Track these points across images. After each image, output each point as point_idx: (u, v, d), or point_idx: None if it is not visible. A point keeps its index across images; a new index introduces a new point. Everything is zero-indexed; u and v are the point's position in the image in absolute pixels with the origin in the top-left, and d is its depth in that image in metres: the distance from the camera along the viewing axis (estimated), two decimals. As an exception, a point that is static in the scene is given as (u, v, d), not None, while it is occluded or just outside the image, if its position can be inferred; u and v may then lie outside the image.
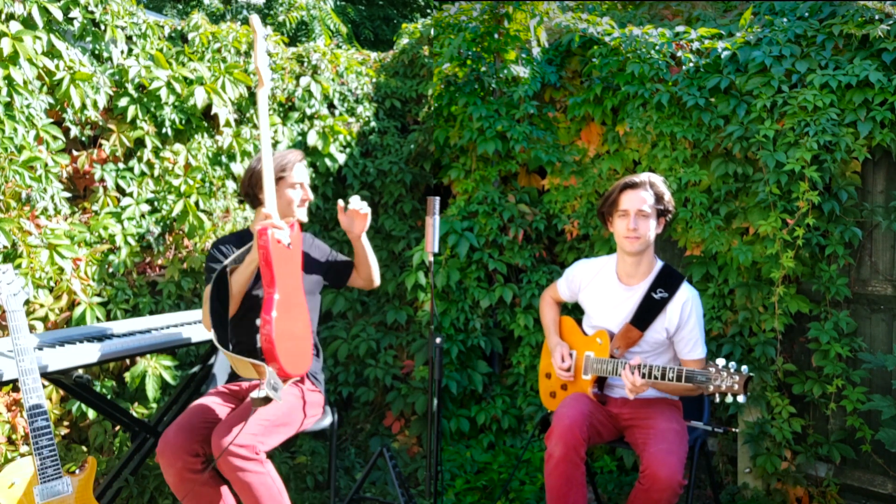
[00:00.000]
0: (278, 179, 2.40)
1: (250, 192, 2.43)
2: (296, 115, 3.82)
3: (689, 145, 3.11)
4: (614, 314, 2.38)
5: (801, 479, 2.83)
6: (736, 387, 1.98)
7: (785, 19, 3.05)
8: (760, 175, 2.89)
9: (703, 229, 2.99)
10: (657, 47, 3.20)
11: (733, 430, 2.48)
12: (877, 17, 2.73)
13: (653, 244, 2.36)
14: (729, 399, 2.01)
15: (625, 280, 2.39)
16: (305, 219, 2.48)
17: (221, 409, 2.34)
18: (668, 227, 2.35)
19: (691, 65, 3.09)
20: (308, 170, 2.64)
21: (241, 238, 2.49)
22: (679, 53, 3.17)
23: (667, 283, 2.32)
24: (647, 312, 2.31)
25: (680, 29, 3.33)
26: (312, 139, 3.73)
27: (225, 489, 2.24)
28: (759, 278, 2.92)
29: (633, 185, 2.30)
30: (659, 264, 2.39)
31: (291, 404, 2.35)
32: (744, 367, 2.01)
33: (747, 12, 3.29)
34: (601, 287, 2.44)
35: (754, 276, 2.94)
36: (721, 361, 2.04)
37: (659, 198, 2.30)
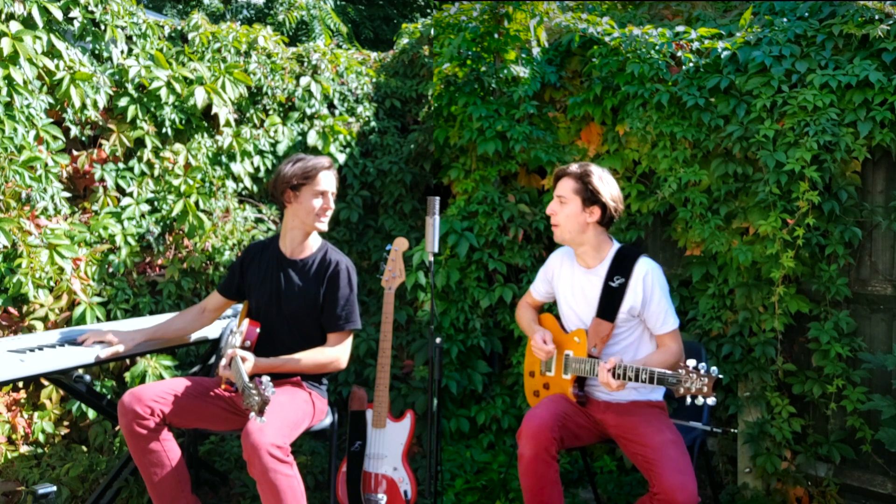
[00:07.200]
0: (300, 185, 2.34)
1: (275, 192, 2.41)
2: (296, 114, 3.82)
3: (689, 145, 3.11)
4: (582, 299, 2.37)
5: (801, 479, 2.82)
6: (705, 389, 1.95)
7: (785, 19, 3.05)
8: (760, 175, 2.89)
9: (703, 229, 2.99)
10: (657, 47, 3.20)
11: (732, 430, 2.46)
12: (877, 17, 2.72)
13: (597, 228, 2.32)
14: (699, 401, 1.97)
15: (584, 264, 2.39)
16: (325, 228, 2.41)
17: (209, 397, 2.32)
18: (609, 220, 2.31)
19: (691, 65, 3.09)
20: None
21: (266, 245, 2.51)
22: (679, 53, 3.17)
23: (621, 267, 2.30)
24: (609, 302, 2.29)
25: (680, 29, 3.33)
26: (312, 139, 3.73)
27: (182, 461, 2.23)
28: (759, 278, 2.92)
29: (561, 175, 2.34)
30: (614, 248, 2.36)
31: (302, 407, 2.36)
32: (713, 369, 1.97)
33: (747, 12, 3.29)
34: (568, 273, 2.44)
35: (754, 276, 2.94)
36: (692, 362, 1.99)
37: (585, 184, 2.28)
